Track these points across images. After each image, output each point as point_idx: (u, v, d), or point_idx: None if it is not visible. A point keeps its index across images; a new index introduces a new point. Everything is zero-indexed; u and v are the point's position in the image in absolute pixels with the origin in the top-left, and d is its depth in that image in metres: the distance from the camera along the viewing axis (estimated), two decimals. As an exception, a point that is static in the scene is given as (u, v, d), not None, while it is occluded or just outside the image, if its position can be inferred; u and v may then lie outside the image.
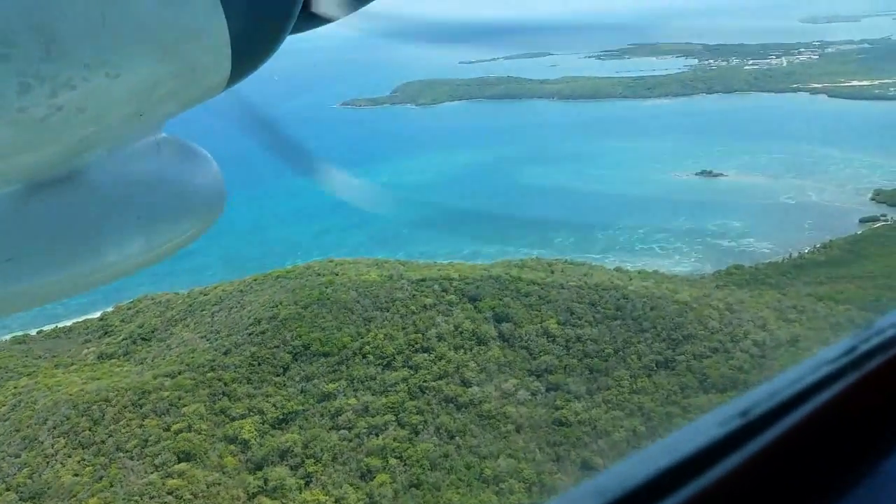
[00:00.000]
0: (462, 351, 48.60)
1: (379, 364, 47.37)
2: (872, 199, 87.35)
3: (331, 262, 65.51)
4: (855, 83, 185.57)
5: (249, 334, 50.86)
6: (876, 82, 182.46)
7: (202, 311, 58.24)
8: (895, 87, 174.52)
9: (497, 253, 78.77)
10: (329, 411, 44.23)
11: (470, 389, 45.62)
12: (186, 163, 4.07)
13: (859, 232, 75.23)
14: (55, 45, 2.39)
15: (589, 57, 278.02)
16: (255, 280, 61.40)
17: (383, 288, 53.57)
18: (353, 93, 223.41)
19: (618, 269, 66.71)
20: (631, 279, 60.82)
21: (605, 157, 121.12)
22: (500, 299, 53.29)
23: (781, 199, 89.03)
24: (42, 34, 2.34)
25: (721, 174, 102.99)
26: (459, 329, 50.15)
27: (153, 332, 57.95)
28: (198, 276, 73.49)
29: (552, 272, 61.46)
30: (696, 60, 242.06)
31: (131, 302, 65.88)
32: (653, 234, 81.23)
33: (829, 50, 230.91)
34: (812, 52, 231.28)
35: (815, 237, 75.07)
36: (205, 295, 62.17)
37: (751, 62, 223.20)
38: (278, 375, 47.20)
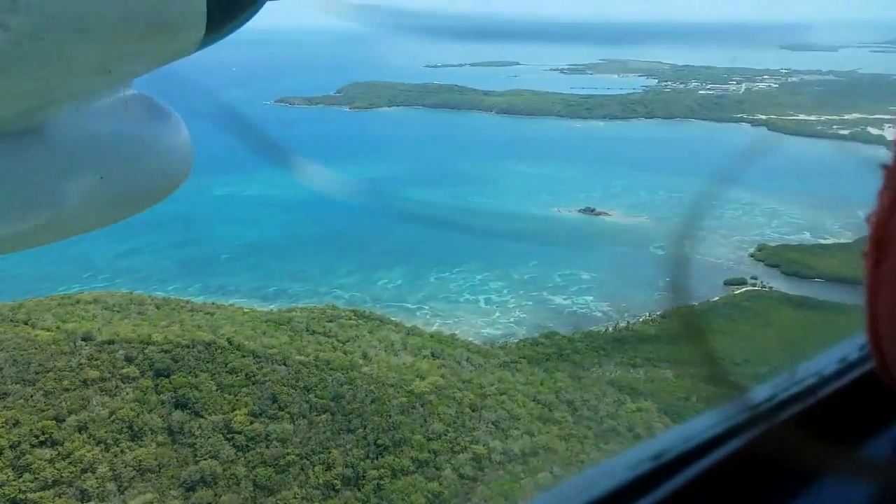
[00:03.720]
0: (102, 447, 37.69)
1: (-21, 461, 36.38)
2: (752, 256, 77.42)
3: (63, 298, 54.50)
4: (802, 117, 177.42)
5: None
6: (823, 118, 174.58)
7: None
8: (840, 124, 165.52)
9: (305, 293, 68.49)
10: None
11: (82, 507, 34.75)
12: (154, 122, 3.96)
13: (715, 298, 65.14)
14: None
15: (553, 70, 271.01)
16: (-56, 321, 50.20)
17: (46, 351, 42.57)
18: (300, 90, 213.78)
19: (411, 331, 56.22)
20: (399, 351, 50.30)
21: (500, 183, 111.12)
22: (196, 376, 42.47)
23: (651, 248, 78.89)
24: None
25: (604, 213, 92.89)
26: (114, 416, 39.25)
27: None
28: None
29: (314, 332, 50.99)
30: (656, 81, 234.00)
31: None
32: (490, 282, 70.80)
33: (793, 79, 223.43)
34: (775, 80, 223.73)
35: (662, 302, 64.82)
36: None
37: (708, 86, 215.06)
38: None
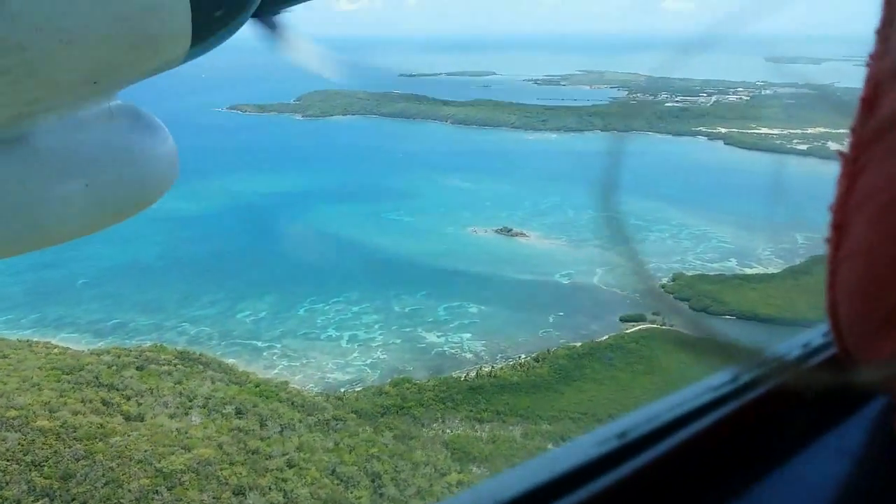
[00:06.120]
0: None
1: None
2: (662, 287, 69.82)
3: None
4: (764, 131, 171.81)
5: None
6: (785, 132, 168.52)
7: None
8: (801, 139, 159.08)
9: (147, 328, 60.65)
10: None
11: None
12: (139, 131, 4.07)
13: (603, 338, 57.56)
14: (5, 7, 2.27)
15: (527, 80, 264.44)
16: None
17: None
18: (262, 97, 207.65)
19: (235, 379, 48.65)
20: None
21: (425, 198, 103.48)
22: None
23: (556, 277, 71.42)
24: None
25: (521, 233, 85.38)
26: None
27: None
28: None
29: (100, 384, 43.18)
30: (626, 93, 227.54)
31: None
32: (364, 315, 62.89)
33: (766, 92, 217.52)
34: (748, 91, 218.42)
35: (545, 341, 57.26)
36: None
37: (678, 99, 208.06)
38: None
